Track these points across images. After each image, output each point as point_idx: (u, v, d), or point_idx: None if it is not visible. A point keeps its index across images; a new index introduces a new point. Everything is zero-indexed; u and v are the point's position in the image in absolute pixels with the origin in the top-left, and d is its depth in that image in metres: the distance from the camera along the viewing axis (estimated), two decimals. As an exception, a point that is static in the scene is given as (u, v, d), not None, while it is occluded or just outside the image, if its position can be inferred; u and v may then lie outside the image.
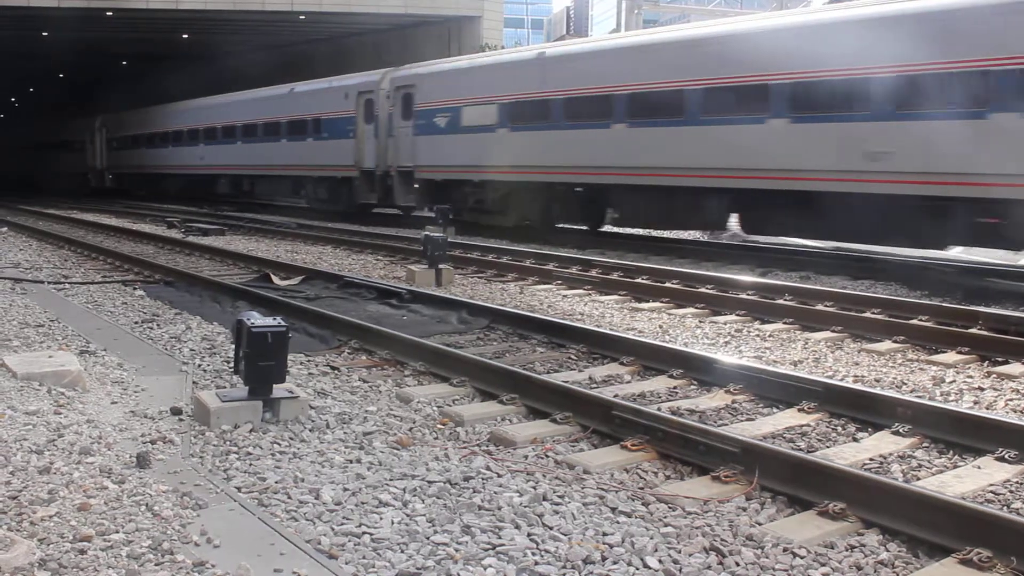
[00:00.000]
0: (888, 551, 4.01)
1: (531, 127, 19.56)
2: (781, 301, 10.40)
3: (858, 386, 6.67)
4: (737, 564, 3.82)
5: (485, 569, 3.68)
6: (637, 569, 3.75)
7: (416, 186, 23.03)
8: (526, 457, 5.19)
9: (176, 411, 5.62)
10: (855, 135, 13.48)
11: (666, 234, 21.04)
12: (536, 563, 3.74)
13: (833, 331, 9.07)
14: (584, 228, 20.23)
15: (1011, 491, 4.72)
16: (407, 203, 23.64)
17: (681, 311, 10.40)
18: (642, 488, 4.74)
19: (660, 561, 3.81)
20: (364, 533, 3.97)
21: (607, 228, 21.09)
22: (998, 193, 11.87)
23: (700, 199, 16.30)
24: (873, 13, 13.60)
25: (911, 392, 6.75)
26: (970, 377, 7.30)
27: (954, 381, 7.16)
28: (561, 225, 20.14)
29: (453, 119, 21.72)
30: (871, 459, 5.21)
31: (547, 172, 19.32)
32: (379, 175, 24.06)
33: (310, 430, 5.47)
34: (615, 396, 6.16)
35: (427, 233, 14.09)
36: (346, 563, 3.69)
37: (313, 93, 27.64)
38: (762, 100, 14.69)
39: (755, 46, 14.85)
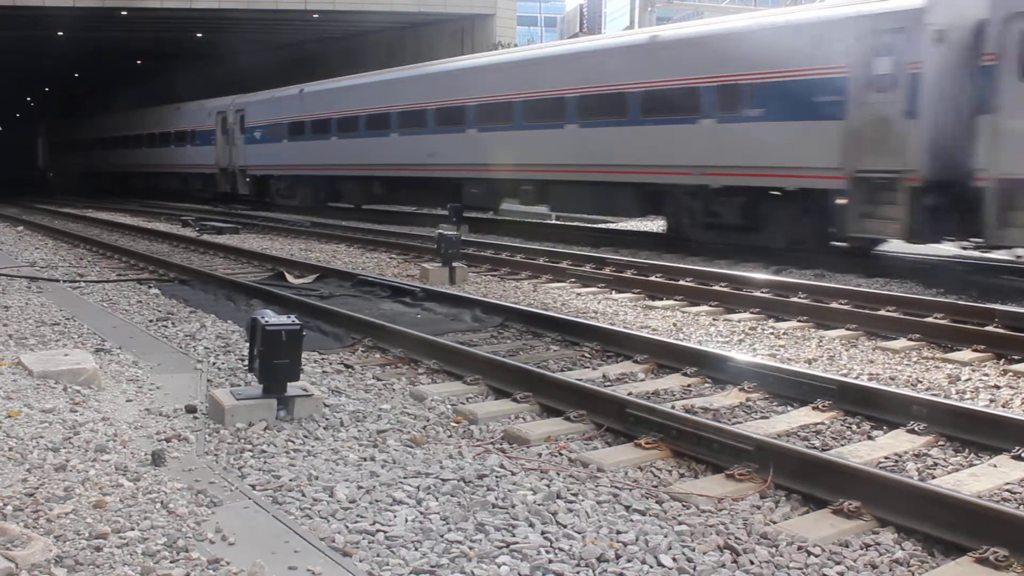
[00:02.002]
0: (903, 550, 4.00)
1: (300, 138, 29.16)
2: (795, 299, 10.36)
3: (873, 384, 6.64)
4: (751, 562, 3.81)
5: (499, 567, 3.68)
6: (651, 567, 3.74)
7: (248, 180, 32.50)
8: (540, 455, 5.19)
9: (191, 409, 5.64)
10: (422, 142, 23.19)
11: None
12: (550, 561, 3.74)
13: (848, 329, 9.03)
14: (351, 206, 28.70)
15: (1028, 490, 4.69)
16: (244, 192, 32.91)
17: (695, 309, 10.38)
18: (656, 486, 4.73)
19: (674, 559, 3.80)
20: (378, 531, 3.98)
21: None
22: (472, 174, 21.61)
23: (367, 184, 26.64)
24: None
25: (926, 390, 6.71)
26: (986, 375, 7.26)
27: (970, 379, 7.12)
28: (332, 204, 29.10)
29: (264, 133, 31.35)
30: (886, 457, 5.19)
31: (310, 169, 28.76)
32: (229, 172, 33.63)
33: (324, 428, 5.49)
34: (629, 394, 6.16)
35: (441, 231, 14.10)
36: (360, 561, 3.70)
37: (191, 111, 37.20)
38: (386, 122, 24.77)
39: (380, 91, 25.35)
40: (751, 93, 15.00)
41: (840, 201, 13.66)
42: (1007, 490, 4.69)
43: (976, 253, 13.89)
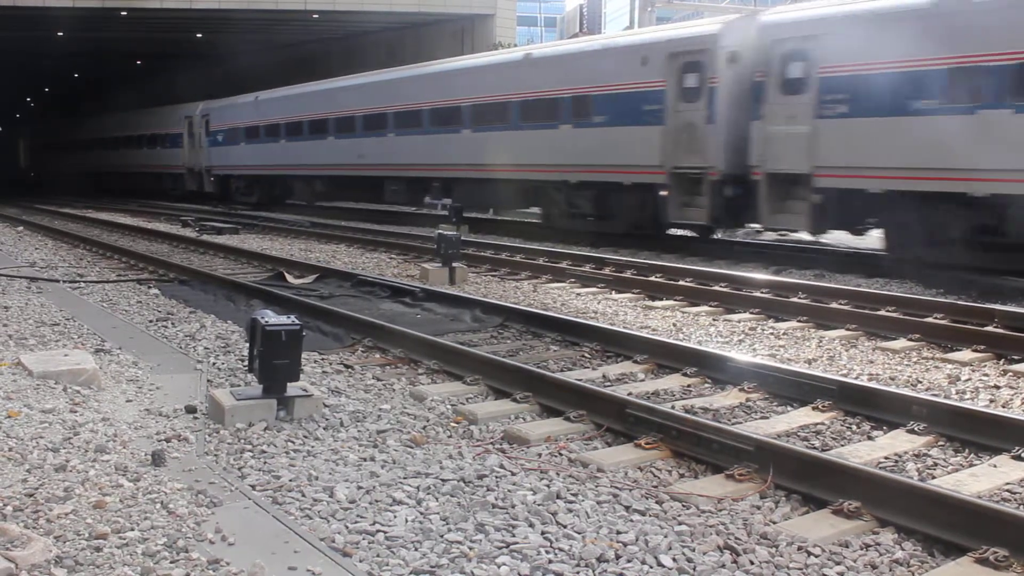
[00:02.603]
0: (903, 550, 4.00)
1: (255, 141, 32.11)
2: (795, 299, 10.36)
3: (873, 384, 6.64)
4: (751, 562, 3.81)
5: (499, 567, 3.68)
6: (651, 567, 3.74)
7: (212, 179, 35.61)
8: (540, 455, 5.19)
9: (191, 409, 5.64)
10: (353, 145, 25.98)
11: (679, 232, 21.16)
12: (550, 561, 3.74)
13: (848, 329, 9.03)
14: (304, 203, 31.06)
15: (1028, 490, 4.69)
16: (210, 190, 35.70)
17: (695, 309, 10.38)
18: (656, 486, 4.73)
19: (674, 559, 3.80)
20: (378, 531, 3.98)
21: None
22: (392, 174, 24.48)
23: (311, 183, 29.54)
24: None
25: (926, 390, 6.71)
26: (986, 375, 7.26)
27: (969, 379, 7.12)
28: (291, 201, 31.83)
29: (225, 136, 34.27)
30: (886, 457, 5.19)
31: (264, 169, 31.76)
32: (196, 172, 36.97)
33: (324, 428, 5.49)
34: (629, 394, 6.15)
35: (440, 231, 14.10)
36: (360, 561, 3.70)
37: (163, 116, 40.49)
38: (324, 127, 27.66)
39: (321, 99, 28.14)
40: (596, 103, 17.99)
41: (663, 193, 16.44)
42: (1007, 490, 4.69)
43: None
